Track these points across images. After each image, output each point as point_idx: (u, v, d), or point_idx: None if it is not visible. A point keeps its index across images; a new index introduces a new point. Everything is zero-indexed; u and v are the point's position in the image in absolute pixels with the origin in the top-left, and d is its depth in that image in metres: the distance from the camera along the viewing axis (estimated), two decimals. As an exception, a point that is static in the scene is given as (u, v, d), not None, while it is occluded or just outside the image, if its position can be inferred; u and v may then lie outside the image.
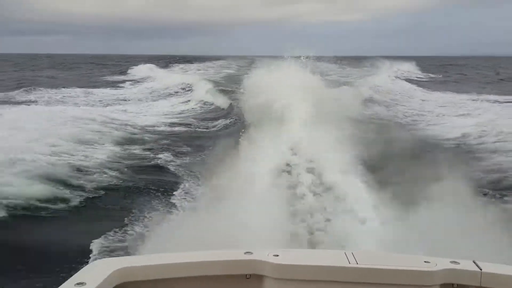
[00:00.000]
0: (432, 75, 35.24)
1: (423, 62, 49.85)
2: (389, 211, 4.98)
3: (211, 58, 68.44)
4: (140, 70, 36.47)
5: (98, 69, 49.17)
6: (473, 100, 19.54)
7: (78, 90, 23.28)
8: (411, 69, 38.67)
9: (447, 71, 44.76)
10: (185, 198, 6.58)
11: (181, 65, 46.83)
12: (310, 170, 6.35)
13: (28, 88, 23.03)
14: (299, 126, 8.27)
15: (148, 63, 41.06)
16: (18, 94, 21.13)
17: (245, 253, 2.10)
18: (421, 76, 36.22)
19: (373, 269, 2.00)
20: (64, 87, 24.09)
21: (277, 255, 2.07)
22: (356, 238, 4.48)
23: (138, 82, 29.26)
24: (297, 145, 7.29)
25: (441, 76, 36.70)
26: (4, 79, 32.04)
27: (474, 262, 2.05)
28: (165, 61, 52.30)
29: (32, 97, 20.21)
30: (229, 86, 21.26)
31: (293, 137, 7.71)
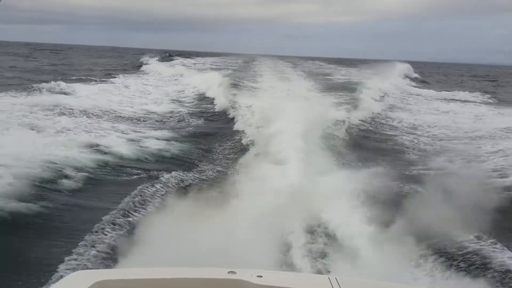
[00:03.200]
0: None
1: (424, 67, 48.41)
2: (381, 240, 5.00)
3: (207, 54, 68.85)
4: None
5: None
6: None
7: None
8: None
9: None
10: (169, 208, 6.05)
11: (191, 60, 45.08)
12: (302, 202, 6.06)
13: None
14: (298, 163, 7.87)
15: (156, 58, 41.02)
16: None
17: (229, 272, 2.07)
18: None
19: None
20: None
21: (261, 276, 2.05)
22: (343, 265, 4.53)
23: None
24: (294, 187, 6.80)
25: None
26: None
27: None
28: (167, 55, 51.97)
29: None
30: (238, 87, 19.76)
31: (291, 179, 7.19)
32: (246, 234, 4.72)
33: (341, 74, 35.78)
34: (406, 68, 36.96)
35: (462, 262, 4.84)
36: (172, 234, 4.82)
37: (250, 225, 4.99)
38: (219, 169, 8.37)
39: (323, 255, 4.85)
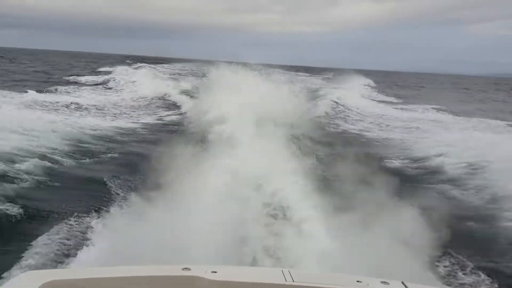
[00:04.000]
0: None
1: (383, 77, 50.64)
2: (335, 230, 5.05)
3: (173, 60, 68.16)
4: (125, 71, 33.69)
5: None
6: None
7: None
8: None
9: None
10: (120, 206, 6.22)
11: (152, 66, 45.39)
12: (258, 188, 6.20)
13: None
14: (247, 148, 8.02)
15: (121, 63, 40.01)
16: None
17: (183, 269, 2.06)
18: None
19: (308, 287, 2.05)
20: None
21: (215, 272, 2.06)
22: (299, 256, 4.56)
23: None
24: (243, 167, 7.03)
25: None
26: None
27: (403, 283, 2.15)
28: (133, 61, 51.07)
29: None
30: (192, 91, 20.69)
31: (239, 158, 7.41)
32: (198, 229, 4.67)
33: (301, 81, 36.90)
34: (365, 77, 38.51)
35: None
36: (123, 234, 4.76)
37: (202, 219, 4.96)
38: (167, 165, 8.12)
39: (278, 246, 4.88)
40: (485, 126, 16.19)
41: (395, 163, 10.37)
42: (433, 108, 22.19)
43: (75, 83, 26.21)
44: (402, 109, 22.46)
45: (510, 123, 17.00)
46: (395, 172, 8.93)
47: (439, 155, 10.59)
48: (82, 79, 28.79)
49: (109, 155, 9.47)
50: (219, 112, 10.33)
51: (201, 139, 9.46)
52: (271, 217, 5.48)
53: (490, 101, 32.07)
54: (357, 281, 2.11)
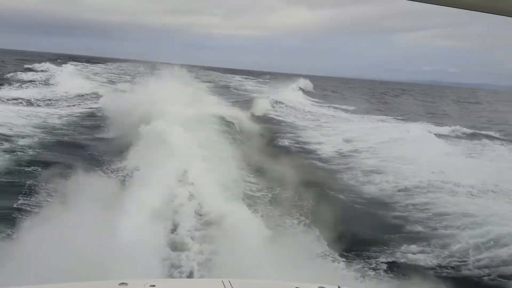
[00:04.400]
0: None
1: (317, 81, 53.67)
2: (272, 237, 5.25)
3: (110, 60, 66.69)
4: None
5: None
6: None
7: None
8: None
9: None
10: (47, 220, 5.50)
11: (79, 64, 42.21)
12: (193, 199, 6.27)
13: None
14: (185, 153, 8.11)
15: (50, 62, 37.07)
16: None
17: (120, 284, 2.00)
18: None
19: None
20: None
21: (154, 286, 2.02)
22: (238, 266, 4.57)
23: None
24: (183, 174, 7.10)
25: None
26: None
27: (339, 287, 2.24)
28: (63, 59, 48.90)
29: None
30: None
31: (179, 165, 7.44)
32: (134, 241, 4.59)
33: (240, 84, 38.82)
34: (302, 82, 40.96)
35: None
36: (52, 248, 4.42)
37: (138, 229, 4.88)
38: (99, 174, 8.12)
39: (214, 253, 4.96)
40: (372, 120, 20.13)
41: (285, 142, 13.37)
42: (340, 107, 25.98)
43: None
44: (320, 106, 25.94)
45: (387, 117, 21.44)
46: (282, 148, 12.15)
47: (320, 143, 13.53)
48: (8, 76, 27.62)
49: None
50: (147, 112, 10.53)
51: (125, 146, 9.29)
52: (203, 225, 5.55)
53: (394, 103, 36.72)
54: None
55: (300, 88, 38.23)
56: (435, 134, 15.45)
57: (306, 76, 46.07)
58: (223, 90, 28.84)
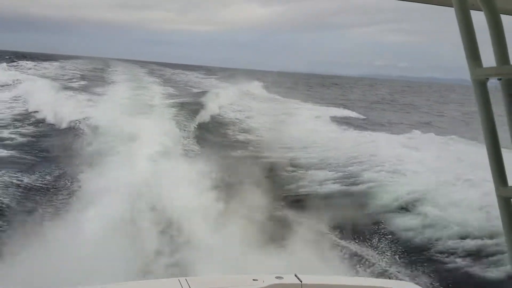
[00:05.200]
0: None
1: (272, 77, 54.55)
2: (230, 233, 5.25)
3: (58, 57, 65.33)
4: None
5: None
6: None
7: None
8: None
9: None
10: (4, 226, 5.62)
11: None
12: (154, 206, 6.17)
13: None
14: (146, 160, 8.07)
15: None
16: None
17: None
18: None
19: None
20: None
21: None
22: (196, 265, 4.59)
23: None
24: (144, 181, 7.00)
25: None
26: None
27: (296, 276, 2.30)
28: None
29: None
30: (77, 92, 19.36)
31: (140, 172, 7.41)
32: (95, 245, 4.55)
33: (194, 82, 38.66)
34: (256, 78, 41.09)
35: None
36: (11, 256, 4.38)
37: (99, 234, 4.85)
38: (60, 178, 7.98)
39: (176, 250, 4.99)
40: (304, 109, 22.53)
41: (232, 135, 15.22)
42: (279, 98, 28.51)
43: None
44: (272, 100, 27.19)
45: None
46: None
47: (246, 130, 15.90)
48: None
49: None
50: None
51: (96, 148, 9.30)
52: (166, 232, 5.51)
53: (331, 96, 39.66)
54: (253, 280, 2.24)
55: (253, 84, 39.97)
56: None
57: (259, 72, 47.42)
58: (173, 86, 30.06)
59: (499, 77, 0.99)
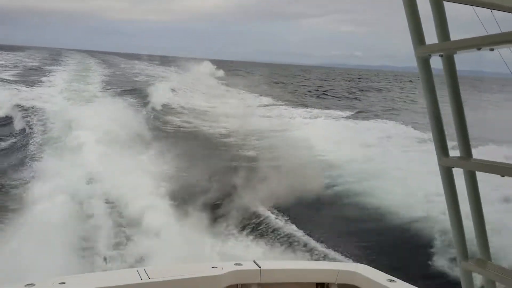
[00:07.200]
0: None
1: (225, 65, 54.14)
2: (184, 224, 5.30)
3: (6, 47, 62.53)
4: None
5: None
6: None
7: None
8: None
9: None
10: None
11: None
12: (106, 197, 6.16)
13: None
14: (95, 150, 7.99)
15: None
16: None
17: (26, 285, 1.96)
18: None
19: (165, 282, 2.10)
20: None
21: (64, 283, 1.99)
22: (152, 255, 4.60)
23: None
24: (93, 171, 6.97)
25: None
26: None
27: (255, 262, 2.34)
28: None
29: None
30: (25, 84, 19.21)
31: (89, 162, 7.35)
32: (42, 243, 4.52)
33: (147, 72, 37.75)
34: (209, 65, 41.40)
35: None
36: None
37: (45, 232, 4.81)
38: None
39: (125, 243, 4.99)
40: (252, 98, 23.61)
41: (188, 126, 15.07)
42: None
43: None
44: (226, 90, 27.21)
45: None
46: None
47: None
48: None
49: None
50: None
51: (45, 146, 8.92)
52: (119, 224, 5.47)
53: (286, 86, 40.16)
54: (213, 267, 2.26)
55: (206, 72, 39.97)
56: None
57: (214, 61, 47.35)
58: (122, 75, 29.74)
59: (441, 54, 1.02)
